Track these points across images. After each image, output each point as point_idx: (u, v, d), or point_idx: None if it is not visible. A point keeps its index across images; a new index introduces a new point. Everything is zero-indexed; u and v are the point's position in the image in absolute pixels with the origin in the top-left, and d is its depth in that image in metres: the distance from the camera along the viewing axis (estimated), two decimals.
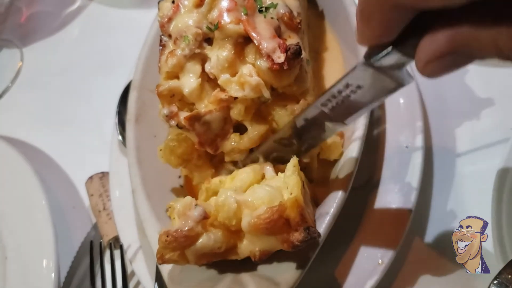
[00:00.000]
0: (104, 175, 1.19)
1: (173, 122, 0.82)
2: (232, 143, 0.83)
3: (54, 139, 1.41)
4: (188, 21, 0.83)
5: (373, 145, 0.97)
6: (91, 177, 1.20)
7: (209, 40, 0.84)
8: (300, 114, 0.75)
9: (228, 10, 0.79)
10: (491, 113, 1.04)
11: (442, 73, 0.48)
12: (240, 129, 0.84)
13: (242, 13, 0.79)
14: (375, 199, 0.92)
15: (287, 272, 0.74)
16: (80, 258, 1.12)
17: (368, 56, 0.55)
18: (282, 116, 0.81)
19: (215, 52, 0.81)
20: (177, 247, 0.72)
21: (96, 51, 1.58)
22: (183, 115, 0.81)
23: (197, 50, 0.82)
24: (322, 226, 0.75)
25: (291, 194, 0.70)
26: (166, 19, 0.86)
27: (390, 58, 0.53)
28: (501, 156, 0.91)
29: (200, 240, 0.72)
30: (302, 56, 0.77)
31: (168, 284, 0.80)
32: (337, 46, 1.04)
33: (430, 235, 0.95)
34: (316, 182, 0.88)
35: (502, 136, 0.99)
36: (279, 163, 0.82)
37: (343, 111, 0.68)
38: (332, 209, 0.77)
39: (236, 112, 0.81)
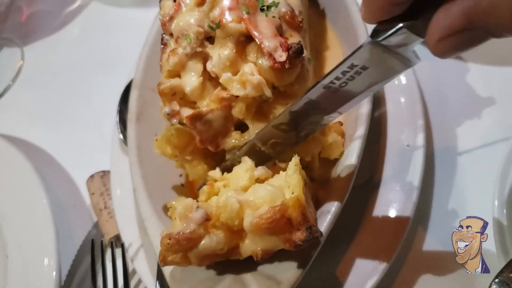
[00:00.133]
0: (105, 174, 1.19)
1: (174, 121, 0.82)
2: (233, 141, 0.83)
3: (55, 137, 1.41)
4: (190, 19, 0.83)
5: (374, 144, 0.97)
6: (92, 176, 1.20)
7: (210, 39, 0.84)
8: (300, 98, 0.72)
9: (230, 9, 0.79)
10: (492, 111, 1.04)
11: (456, 52, 0.46)
12: (241, 127, 0.85)
13: (243, 12, 0.79)
14: (376, 198, 0.92)
15: (288, 271, 0.74)
16: (81, 257, 1.12)
17: (376, 34, 0.53)
18: None
19: (217, 51, 0.81)
20: (180, 249, 0.73)
21: (96, 50, 1.59)
22: (185, 112, 0.81)
23: (199, 49, 0.82)
24: (324, 225, 0.75)
25: (292, 193, 0.70)
26: (167, 18, 0.86)
27: (398, 36, 0.51)
28: (503, 155, 0.91)
29: (203, 242, 0.72)
30: (303, 55, 0.77)
31: (170, 283, 0.80)
32: (338, 45, 1.04)
33: (431, 234, 0.95)
34: (317, 181, 0.88)
35: (503, 134, 0.99)
36: (276, 149, 0.80)
37: (345, 94, 0.65)
38: (334, 208, 0.77)
39: (238, 111, 0.81)
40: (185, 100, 0.84)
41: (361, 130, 0.83)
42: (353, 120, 0.85)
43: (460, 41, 0.45)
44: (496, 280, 0.73)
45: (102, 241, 1.08)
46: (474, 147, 1.01)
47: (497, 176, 0.89)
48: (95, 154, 1.29)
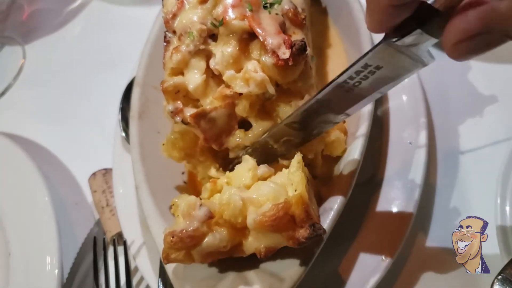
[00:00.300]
0: (107, 172, 1.19)
1: (178, 118, 0.82)
2: (237, 139, 0.83)
3: (57, 136, 1.41)
4: (193, 17, 0.83)
5: (377, 141, 0.97)
6: (94, 174, 1.20)
7: (213, 36, 0.84)
8: (312, 97, 0.72)
9: (233, 6, 0.79)
10: (494, 109, 1.04)
11: (473, 55, 0.46)
12: (245, 125, 0.85)
13: (247, 9, 0.79)
14: (378, 195, 0.92)
15: (291, 268, 0.74)
16: (83, 254, 1.12)
17: (390, 35, 0.53)
18: (287, 113, 0.81)
19: (220, 48, 0.81)
20: (183, 247, 0.73)
21: (97, 48, 1.59)
22: (188, 111, 0.81)
23: (202, 46, 0.82)
24: (326, 222, 0.75)
25: (295, 190, 0.71)
26: (170, 15, 0.86)
27: (413, 37, 0.51)
28: (505, 153, 0.91)
29: (206, 239, 0.72)
30: (307, 52, 0.77)
31: (173, 280, 0.81)
32: (340, 42, 1.04)
33: (433, 232, 0.95)
34: (320, 178, 0.88)
35: (506, 133, 0.99)
36: (288, 147, 0.81)
37: (358, 93, 0.66)
38: (336, 205, 0.77)
39: (241, 109, 0.81)
40: (188, 98, 0.84)
41: (363, 127, 0.84)
42: (356, 117, 0.85)
43: (478, 44, 0.45)
44: (499, 277, 0.74)
45: (104, 239, 1.08)
46: (476, 145, 1.01)
47: (499, 174, 0.89)
48: (97, 152, 1.29)
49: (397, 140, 0.97)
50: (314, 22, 1.05)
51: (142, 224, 1.03)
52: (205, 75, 0.82)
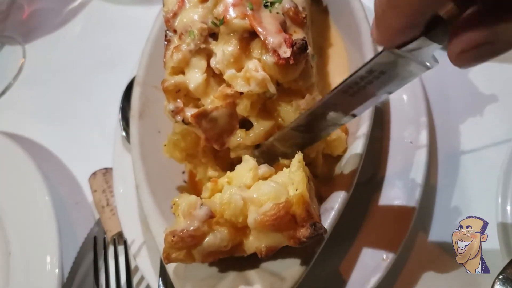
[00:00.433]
0: (107, 171, 1.19)
1: (178, 118, 0.82)
2: (238, 139, 0.83)
3: (57, 135, 1.41)
4: (194, 16, 0.83)
5: (377, 140, 0.97)
6: (94, 173, 1.20)
7: (214, 35, 0.84)
8: (318, 101, 0.73)
9: (234, 5, 0.79)
10: (495, 109, 1.04)
11: (478, 63, 0.47)
12: (246, 125, 0.84)
13: (247, 8, 0.78)
14: (379, 195, 0.92)
15: (292, 267, 0.74)
16: (83, 254, 1.12)
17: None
18: (288, 112, 0.81)
19: (221, 47, 0.81)
20: (184, 246, 0.72)
21: (97, 47, 1.59)
22: (189, 111, 0.81)
23: (203, 45, 0.82)
24: (327, 221, 0.75)
25: (296, 190, 0.70)
26: (171, 14, 0.86)
27: (417, 43, 0.51)
28: (506, 152, 0.91)
29: (207, 239, 0.72)
30: (308, 51, 0.77)
31: (173, 280, 0.80)
32: (341, 42, 1.04)
33: (434, 231, 0.95)
34: (321, 177, 0.88)
35: (506, 131, 0.99)
36: (295, 149, 0.81)
37: (363, 96, 0.66)
38: (337, 205, 0.77)
39: (242, 108, 0.81)
40: (189, 97, 0.84)
41: (364, 127, 0.83)
42: (357, 117, 0.85)
43: (483, 52, 0.45)
44: (500, 276, 0.73)
45: (104, 238, 1.08)
46: (477, 145, 1.01)
47: (500, 174, 0.89)
48: (97, 151, 1.29)
49: (398, 139, 0.97)
50: (314, 21, 1.05)
51: (143, 224, 1.03)
52: (206, 74, 0.82)
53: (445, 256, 0.91)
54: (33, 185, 1.15)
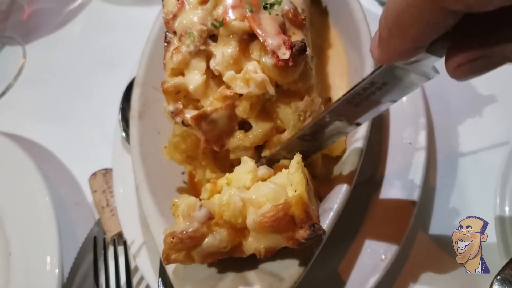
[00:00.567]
0: (107, 172, 1.20)
1: (178, 119, 0.82)
2: (238, 140, 0.83)
3: (57, 136, 1.41)
4: (193, 17, 0.83)
5: (376, 141, 0.98)
6: (94, 174, 1.20)
7: (214, 37, 0.84)
8: (322, 112, 0.74)
9: (233, 7, 0.79)
10: (493, 110, 1.04)
11: (474, 76, 0.48)
12: (245, 126, 0.85)
13: (247, 10, 0.79)
14: (378, 195, 0.93)
15: (291, 267, 0.74)
16: (83, 254, 1.12)
17: None
18: (287, 114, 0.81)
19: (220, 49, 0.81)
20: (183, 248, 0.73)
21: (98, 48, 1.59)
22: (188, 112, 0.82)
23: (202, 47, 0.82)
24: (326, 222, 0.75)
25: (295, 191, 0.71)
26: (171, 16, 0.86)
27: (418, 58, 0.53)
28: (505, 153, 0.91)
29: (206, 240, 0.72)
30: (307, 53, 0.77)
31: (173, 280, 0.81)
32: (340, 43, 1.04)
33: (433, 232, 0.95)
34: (320, 178, 0.88)
35: (505, 132, 1.00)
36: (303, 157, 0.81)
37: (367, 106, 0.68)
38: (336, 205, 0.77)
39: (242, 110, 0.81)
40: (188, 98, 0.84)
41: (363, 128, 0.83)
42: None
43: (479, 66, 0.47)
44: (498, 277, 0.74)
45: (104, 239, 1.08)
46: (476, 146, 1.01)
47: (499, 174, 0.89)
48: (97, 151, 1.29)
49: (397, 140, 0.97)
50: (314, 23, 1.05)
51: (142, 224, 1.04)
52: (205, 76, 0.82)
53: (444, 257, 0.91)
54: (33, 185, 1.15)
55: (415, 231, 0.95)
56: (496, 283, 0.74)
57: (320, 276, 0.87)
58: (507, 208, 0.87)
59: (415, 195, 0.89)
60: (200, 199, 0.77)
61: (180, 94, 0.83)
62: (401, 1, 0.44)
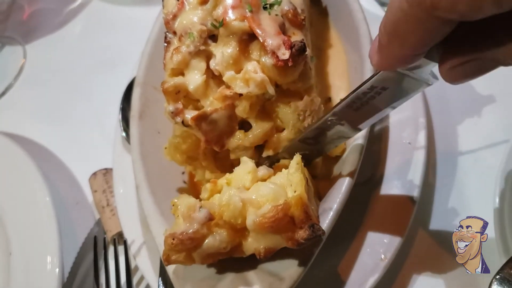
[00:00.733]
0: (107, 171, 1.20)
1: (178, 119, 0.82)
2: (238, 140, 0.83)
3: (57, 136, 1.41)
4: (193, 18, 0.83)
5: (376, 141, 0.98)
6: (94, 173, 1.21)
7: (213, 37, 0.84)
8: (323, 116, 0.75)
9: (233, 7, 0.79)
10: (493, 109, 1.05)
11: (466, 80, 0.49)
12: (245, 126, 0.85)
13: (247, 10, 0.79)
14: (377, 195, 0.93)
15: (290, 267, 0.74)
16: (83, 254, 1.12)
17: None
18: (286, 113, 0.81)
19: (220, 49, 0.81)
20: (183, 249, 0.73)
21: (98, 48, 1.59)
22: (188, 112, 0.82)
23: (202, 47, 0.82)
24: (326, 222, 0.75)
25: (295, 192, 0.71)
26: (171, 16, 0.86)
27: (416, 63, 0.54)
28: (504, 152, 0.91)
29: (206, 241, 0.73)
30: (306, 53, 0.77)
31: (173, 280, 0.81)
32: (340, 43, 1.04)
33: (432, 232, 0.95)
34: (320, 177, 0.88)
35: (504, 132, 1.00)
36: (303, 160, 0.82)
37: (367, 111, 0.69)
38: (336, 205, 0.77)
39: (241, 109, 0.81)
40: (188, 98, 0.84)
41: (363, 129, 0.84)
42: None
43: (471, 70, 0.48)
44: (497, 276, 0.74)
45: (104, 238, 1.08)
46: (475, 145, 1.02)
47: (498, 174, 0.90)
48: (98, 151, 1.29)
49: (396, 140, 0.97)
50: (313, 23, 1.05)
51: (143, 224, 1.04)
52: (205, 76, 0.82)
53: (444, 257, 0.92)
54: (33, 185, 1.16)
55: (414, 231, 0.95)
56: (495, 283, 0.74)
57: (320, 275, 0.87)
58: (506, 207, 0.87)
59: (414, 195, 0.89)
60: (200, 199, 0.77)
61: (180, 94, 0.83)
62: (399, 10, 0.45)
